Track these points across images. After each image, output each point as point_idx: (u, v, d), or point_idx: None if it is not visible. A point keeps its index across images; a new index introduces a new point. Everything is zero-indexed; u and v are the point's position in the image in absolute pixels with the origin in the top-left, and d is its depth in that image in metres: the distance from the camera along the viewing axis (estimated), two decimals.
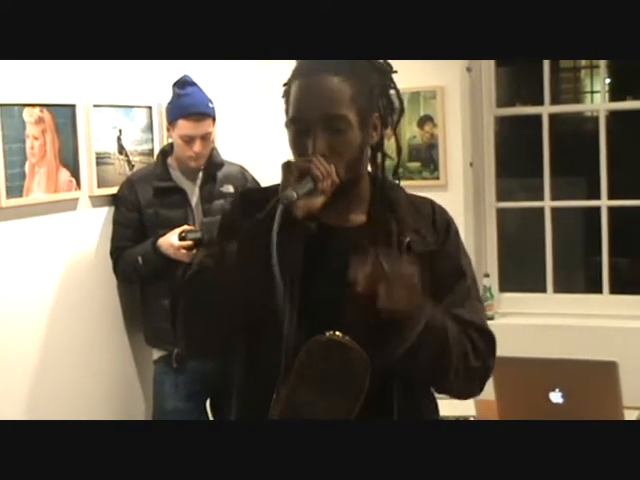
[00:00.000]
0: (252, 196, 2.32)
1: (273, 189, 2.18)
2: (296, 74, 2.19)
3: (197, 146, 4.08)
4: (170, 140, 4.23)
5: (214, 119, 4.18)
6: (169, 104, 4.20)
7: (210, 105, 4.15)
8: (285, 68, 2.29)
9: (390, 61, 2.43)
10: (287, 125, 2.17)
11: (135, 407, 4.35)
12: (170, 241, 3.99)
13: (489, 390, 3.18)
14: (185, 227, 4.02)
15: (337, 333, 2.06)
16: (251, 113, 5.29)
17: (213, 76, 4.84)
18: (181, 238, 3.98)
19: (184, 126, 4.08)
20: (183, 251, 3.95)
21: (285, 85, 2.22)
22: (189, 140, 4.07)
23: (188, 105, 4.10)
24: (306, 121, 2.11)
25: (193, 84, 4.17)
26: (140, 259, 4.04)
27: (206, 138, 4.11)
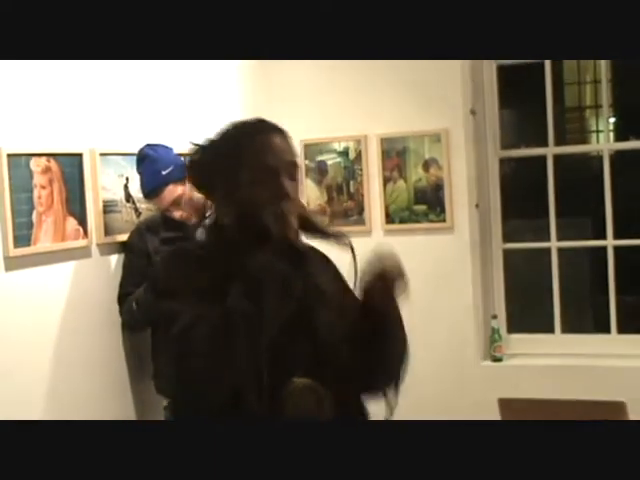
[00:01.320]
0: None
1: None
2: (247, 135, 2.46)
3: (177, 212, 4.14)
4: None
5: (178, 179, 4.13)
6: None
7: (163, 172, 4.15)
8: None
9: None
10: (243, 177, 2.38)
11: None
12: None
13: None
14: None
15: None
16: None
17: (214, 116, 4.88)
18: None
19: (154, 202, 4.23)
20: None
21: (227, 147, 2.44)
22: (167, 209, 4.14)
23: (143, 187, 4.22)
24: (274, 168, 2.38)
25: (145, 157, 4.19)
26: (134, 304, 4.05)
27: (179, 201, 4.17)
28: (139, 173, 4.21)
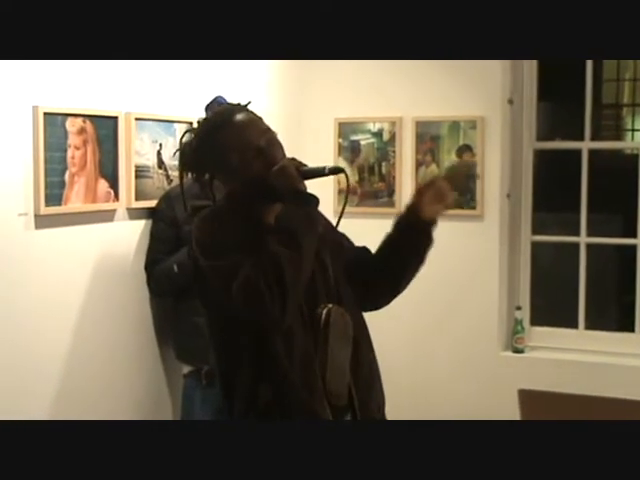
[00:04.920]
0: None
1: None
2: (219, 125, 2.82)
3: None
4: None
5: None
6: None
7: None
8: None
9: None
10: (234, 162, 2.74)
11: (164, 419, 4.35)
12: None
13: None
14: None
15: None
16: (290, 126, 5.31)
17: (250, 91, 4.86)
18: None
19: None
20: None
21: (208, 141, 2.79)
22: None
23: None
24: (255, 144, 2.77)
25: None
26: (175, 267, 4.02)
27: None
28: None
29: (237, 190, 2.78)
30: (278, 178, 2.68)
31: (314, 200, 2.73)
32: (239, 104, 2.86)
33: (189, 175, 2.88)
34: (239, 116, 2.79)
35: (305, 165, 2.76)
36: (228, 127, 2.76)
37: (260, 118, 2.81)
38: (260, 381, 2.69)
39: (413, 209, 2.89)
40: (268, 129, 2.79)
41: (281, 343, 2.67)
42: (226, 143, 2.73)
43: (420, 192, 2.88)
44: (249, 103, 2.86)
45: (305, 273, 2.65)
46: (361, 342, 2.88)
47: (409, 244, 2.90)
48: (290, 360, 2.68)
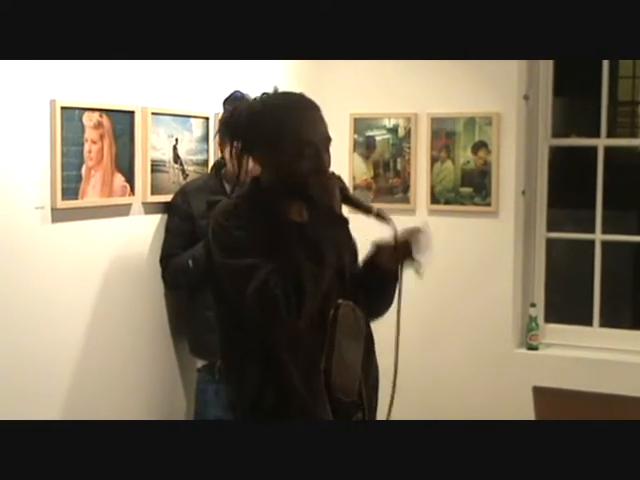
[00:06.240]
0: None
1: None
2: (291, 108, 2.78)
3: (250, 164, 4.08)
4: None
5: None
6: (220, 121, 4.21)
7: None
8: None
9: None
10: (288, 148, 2.67)
11: (177, 413, 4.36)
12: None
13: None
14: None
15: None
16: None
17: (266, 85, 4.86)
18: None
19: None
20: None
21: (273, 116, 2.71)
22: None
23: None
24: (316, 144, 2.73)
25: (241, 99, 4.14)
26: (191, 262, 4.03)
27: None
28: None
29: (270, 181, 2.74)
30: (319, 190, 2.64)
31: (343, 223, 2.71)
32: (314, 102, 2.80)
33: (227, 142, 2.83)
34: (313, 111, 2.75)
35: (347, 189, 2.74)
36: (300, 112, 2.72)
37: (326, 124, 2.76)
38: (264, 382, 2.67)
39: (378, 253, 2.86)
40: (330, 137, 2.75)
41: (287, 344, 2.64)
42: (290, 125, 2.67)
43: (382, 249, 2.85)
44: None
45: (324, 288, 2.61)
46: (370, 342, 2.88)
47: (376, 282, 2.87)
48: (294, 361, 2.65)
